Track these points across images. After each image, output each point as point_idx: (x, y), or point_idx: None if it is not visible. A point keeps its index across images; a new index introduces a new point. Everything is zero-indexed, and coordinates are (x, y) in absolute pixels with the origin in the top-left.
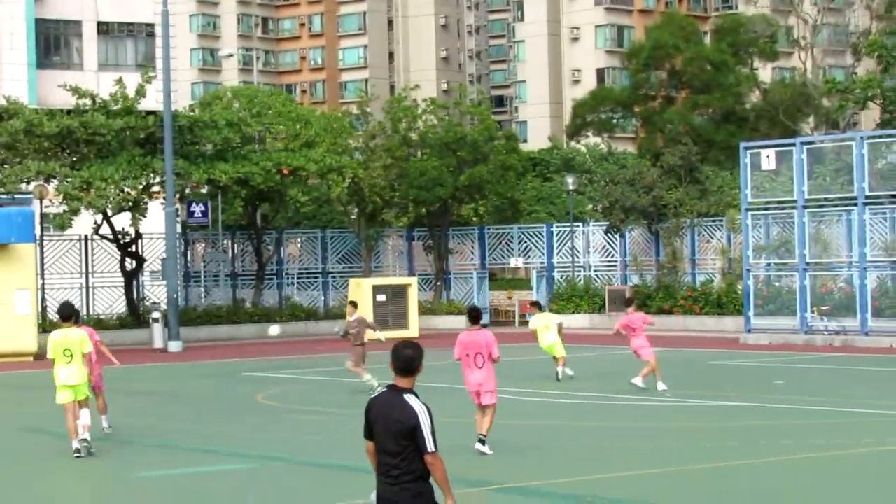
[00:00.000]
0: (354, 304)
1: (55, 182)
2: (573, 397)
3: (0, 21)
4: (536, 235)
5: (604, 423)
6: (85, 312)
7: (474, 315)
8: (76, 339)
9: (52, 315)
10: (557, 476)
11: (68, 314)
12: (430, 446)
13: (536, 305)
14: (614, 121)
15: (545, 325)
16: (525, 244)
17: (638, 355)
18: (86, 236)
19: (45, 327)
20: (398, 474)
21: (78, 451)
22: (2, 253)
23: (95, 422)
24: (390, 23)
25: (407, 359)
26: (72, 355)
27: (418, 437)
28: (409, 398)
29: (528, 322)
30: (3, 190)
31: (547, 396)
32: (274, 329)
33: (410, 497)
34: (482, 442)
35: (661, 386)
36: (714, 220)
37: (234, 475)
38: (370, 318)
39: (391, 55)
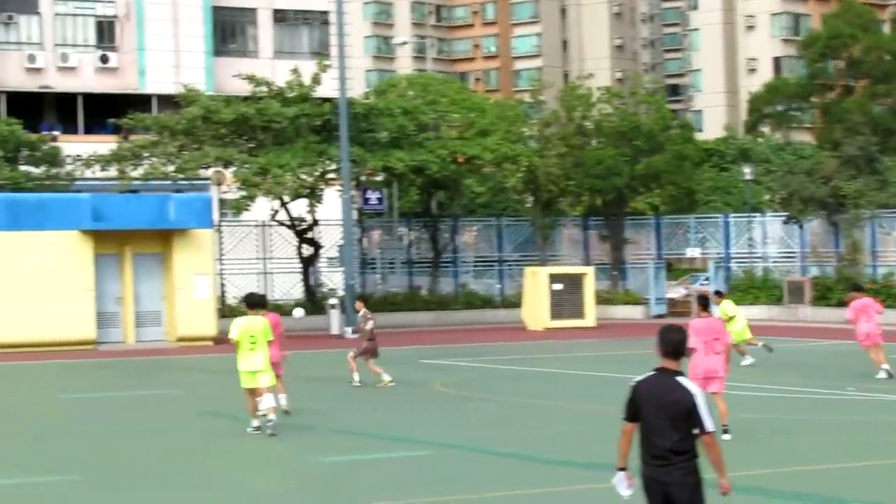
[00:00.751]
0: (363, 299)
1: (233, 168)
2: (777, 390)
3: (178, 9)
4: (713, 226)
5: (823, 417)
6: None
7: (704, 302)
8: (261, 326)
9: (231, 300)
10: (781, 466)
11: (255, 302)
12: (708, 426)
13: (719, 295)
14: (791, 113)
15: (734, 315)
16: (702, 234)
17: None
18: (263, 223)
19: (224, 312)
20: (670, 455)
21: (258, 427)
22: (181, 238)
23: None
24: (563, 11)
25: (676, 342)
26: (256, 342)
27: (695, 417)
28: (681, 380)
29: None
30: (181, 176)
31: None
32: (298, 312)
33: (681, 476)
34: (725, 431)
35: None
36: (894, 212)
37: (410, 461)
38: (546, 307)
39: (564, 43)
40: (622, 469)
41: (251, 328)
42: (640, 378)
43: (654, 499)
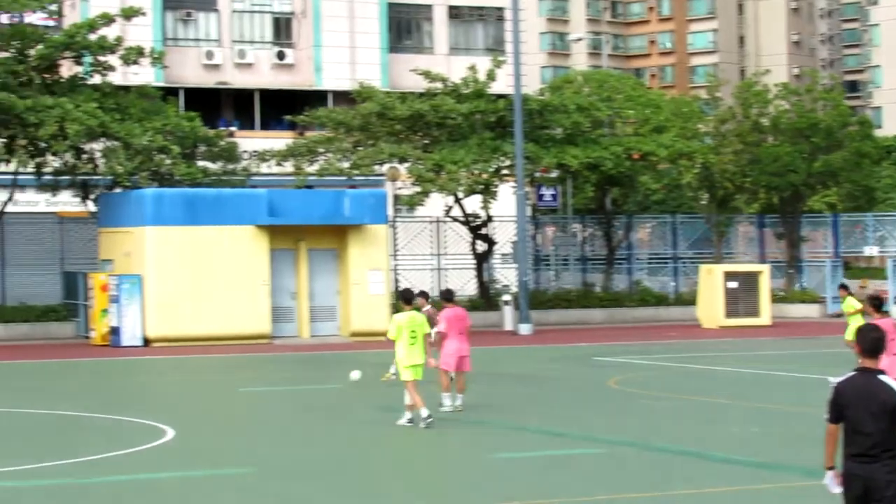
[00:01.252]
0: (425, 295)
1: (407, 164)
2: None
3: (354, 6)
4: (892, 224)
5: None
6: (437, 294)
7: (877, 303)
8: (420, 321)
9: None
10: None
11: (410, 298)
12: None
13: (844, 289)
14: None
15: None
16: (880, 232)
17: None
18: (437, 219)
19: (398, 308)
20: (878, 452)
21: (429, 417)
22: (356, 233)
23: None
24: (740, 7)
25: (875, 340)
26: (416, 337)
27: None
28: (884, 378)
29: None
30: (356, 172)
31: None
32: (355, 375)
33: (886, 473)
34: None
35: None
36: None
37: (584, 459)
38: (721, 305)
39: (741, 39)
40: (831, 468)
41: (412, 323)
42: (841, 379)
43: (852, 493)
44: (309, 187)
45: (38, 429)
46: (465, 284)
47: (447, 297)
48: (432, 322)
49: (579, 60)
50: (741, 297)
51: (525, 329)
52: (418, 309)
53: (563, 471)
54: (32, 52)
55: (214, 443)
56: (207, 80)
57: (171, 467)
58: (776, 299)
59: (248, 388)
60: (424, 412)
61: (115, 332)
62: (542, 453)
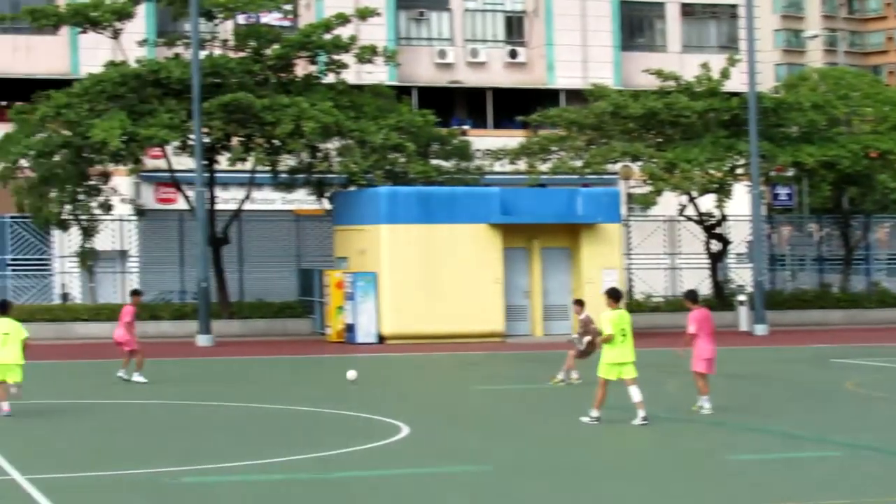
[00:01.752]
0: (580, 303)
1: (640, 163)
2: None
3: (586, 4)
4: None
5: None
6: (672, 293)
7: None
8: (628, 319)
9: (638, 295)
10: None
11: (619, 296)
12: None
13: None
14: None
15: None
16: None
17: None
18: (671, 218)
19: (631, 307)
20: None
21: (598, 418)
22: (589, 232)
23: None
24: None
25: None
26: (626, 335)
27: None
28: None
29: None
30: (589, 170)
31: None
32: (351, 374)
33: None
34: None
35: None
36: None
37: (820, 462)
38: None
39: None
40: None
41: (622, 321)
42: None
43: None
44: (542, 186)
45: (277, 424)
46: (699, 284)
47: (692, 298)
48: (587, 329)
49: (814, 57)
50: None
51: (761, 329)
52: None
53: (800, 473)
54: (268, 51)
55: (448, 440)
56: (440, 79)
57: (406, 464)
58: None
59: (483, 385)
60: (595, 412)
61: (350, 328)
62: (780, 455)
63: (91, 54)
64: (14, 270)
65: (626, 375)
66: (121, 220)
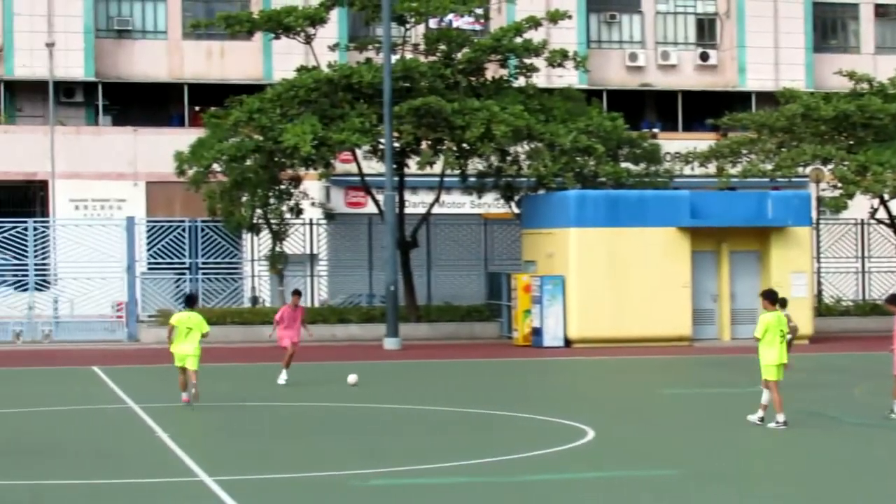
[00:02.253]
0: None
1: (830, 166)
2: None
3: (778, 5)
4: None
5: None
6: (862, 297)
7: None
8: (784, 322)
9: (827, 299)
10: None
11: (775, 298)
12: None
13: None
14: None
15: None
16: None
17: None
18: (862, 221)
19: (821, 311)
20: None
21: (785, 423)
22: (779, 236)
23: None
24: None
25: None
26: (782, 337)
27: None
28: None
29: None
30: (779, 173)
31: None
32: (352, 378)
33: None
34: None
35: None
36: None
37: None
38: None
39: None
40: None
41: (779, 323)
42: None
43: None
44: (731, 189)
45: (463, 427)
46: (892, 287)
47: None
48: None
49: None
50: None
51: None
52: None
53: None
54: (459, 55)
55: (634, 444)
56: (630, 82)
57: (591, 468)
58: None
59: (670, 389)
60: (781, 417)
61: (536, 332)
62: None
63: (283, 59)
64: (205, 274)
65: (774, 376)
66: (310, 223)
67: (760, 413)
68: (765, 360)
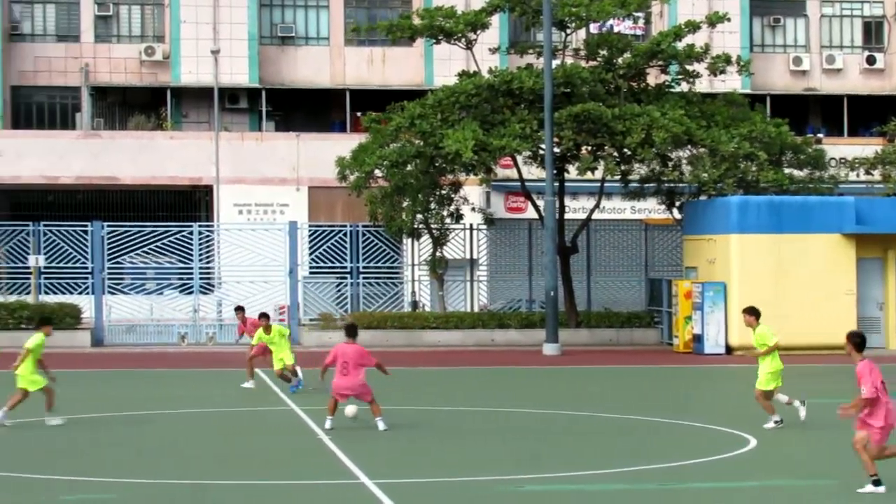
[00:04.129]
0: None
1: None
2: None
3: None
4: None
5: None
6: None
7: None
8: None
9: None
10: None
11: None
12: None
13: None
14: None
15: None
16: None
17: None
18: None
19: None
20: None
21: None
22: None
23: None
24: None
25: None
26: None
27: None
28: None
29: None
30: None
31: None
32: (350, 410)
33: None
34: None
35: None
36: None
37: None
38: None
39: None
40: None
41: None
42: None
43: None
44: None
45: (621, 434)
46: None
47: None
48: None
49: None
50: None
51: None
52: None
53: None
54: (619, 60)
55: (796, 453)
56: (794, 87)
57: (752, 477)
58: None
59: (833, 399)
60: None
61: (697, 339)
62: None
63: (444, 65)
64: (365, 278)
65: None
66: (471, 228)
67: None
68: None
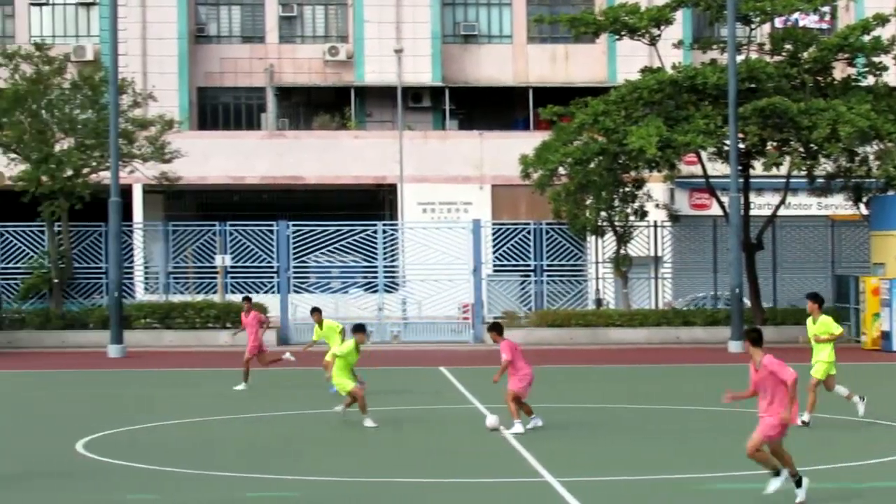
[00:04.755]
0: None
1: None
2: None
3: None
4: None
5: None
6: None
7: None
8: None
9: None
10: None
11: None
12: None
13: None
14: None
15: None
16: None
17: None
18: None
19: None
20: None
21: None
22: None
23: None
24: None
25: None
26: None
27: None
28: None
29: None
30: None
31: None
32: (491, 421)
33: None
34: None
35: None
36: None
37: None
38: None
39: None
40: None
41: None
42: None
43: None
44: None
45: (807, 432)
46: None
47: None
48: None
49: None
50: None
51: None
52: None
53: None
54: (804, 54)
55: None
56: None
57: None
58: None
59: None
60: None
61: (886, 336)
62: None
63: (627, 61)
64: (549, 276)
65: None
66: (655, 225)
67: None
68: None
